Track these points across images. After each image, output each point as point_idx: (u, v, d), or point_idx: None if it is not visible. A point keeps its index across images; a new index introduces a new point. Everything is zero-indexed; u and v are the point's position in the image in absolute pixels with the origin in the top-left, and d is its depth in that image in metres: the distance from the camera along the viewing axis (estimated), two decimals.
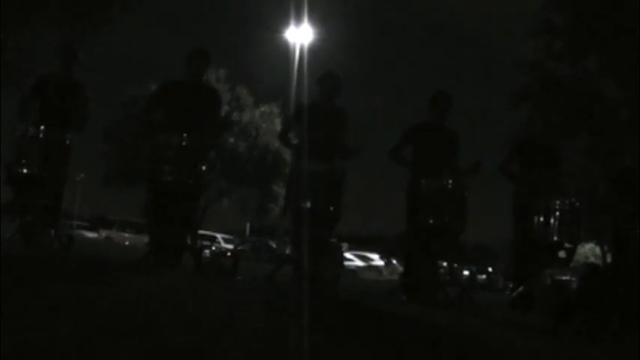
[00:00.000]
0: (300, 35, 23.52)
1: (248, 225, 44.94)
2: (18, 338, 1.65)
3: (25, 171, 5.37)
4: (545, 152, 6.27)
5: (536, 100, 19.01)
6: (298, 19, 23.28)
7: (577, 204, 5.62)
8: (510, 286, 6.93)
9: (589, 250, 41.31)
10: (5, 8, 14.96)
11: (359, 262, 29.41)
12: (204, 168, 5.39)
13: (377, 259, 30.93)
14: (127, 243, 29.09)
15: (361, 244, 37.53)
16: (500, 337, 3.17)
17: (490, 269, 33.90)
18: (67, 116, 5.87)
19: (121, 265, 5.05)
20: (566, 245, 5.54)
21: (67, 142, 5.67)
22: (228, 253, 6.22)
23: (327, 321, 2.84)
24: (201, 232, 24.19)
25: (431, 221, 5.46)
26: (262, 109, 33.98)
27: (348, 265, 24.97)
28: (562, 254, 5.54)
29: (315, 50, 24.19)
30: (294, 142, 6.01)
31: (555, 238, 5.47)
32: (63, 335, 1.72)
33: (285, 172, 29.47)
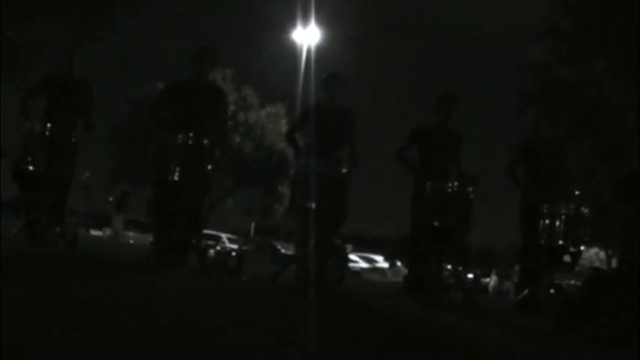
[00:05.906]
0: (307, 36, 23.55)
1: (253, 225, 44.90)
2: (19, 336, 1.65)
3: (31, 168, 5.39)
4: (551, 155, 6.24)
5: (542, 102, 18.99)
6: (305, 20, 23.32)
7: (582, 208, 5.59)
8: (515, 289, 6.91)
9: (594, 255, 41.18)
10: (12, 6, 15.03)
11: (363, 264, 29.40)
12: (210, 167, 5.37)
13: (381, 261, 30.92)
14: (131, 242, 29.09)
15: (366, 246, 37.49)
16: (504, 340, 3.16)
17: (494, 272, 33.85)
18: (73, 114, 5.89)
19: (125, 264, 5.05)
20: (572, 249, 5.51)
21: (74, 140, 5.69)
22: (233, 253, 6.22)
23: (330, 322, 2.84)
24: (205, 231, 24.19)
25: (436, 223, 5.45)
26: (268, 109, 33.96)
27: (353, 267, 24.92)
28: (567, 258, 5.51)
29: (322, 51, 24.20)
30: (301, 142, 5.98)
31: (560, 242, 5.45)
32: (65, 333, 1.73)
33: (290, 173, 29.47)
